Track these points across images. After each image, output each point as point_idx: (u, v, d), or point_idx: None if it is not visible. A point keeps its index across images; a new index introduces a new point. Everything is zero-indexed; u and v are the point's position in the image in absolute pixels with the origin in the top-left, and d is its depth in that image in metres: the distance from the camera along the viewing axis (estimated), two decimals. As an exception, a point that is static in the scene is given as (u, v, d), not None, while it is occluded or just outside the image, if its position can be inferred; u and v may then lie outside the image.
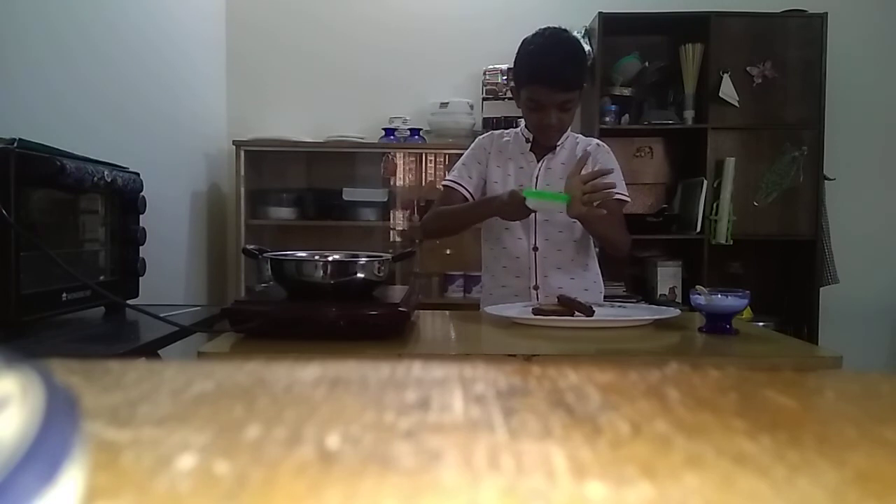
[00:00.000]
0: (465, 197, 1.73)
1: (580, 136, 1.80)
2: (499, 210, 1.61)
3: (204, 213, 3.10)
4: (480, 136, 1.85)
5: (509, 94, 3.15)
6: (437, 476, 0.21)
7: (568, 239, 1.73)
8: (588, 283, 1.78)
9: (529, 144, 1.75)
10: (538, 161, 1.74)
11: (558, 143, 1.74)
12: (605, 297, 1.83)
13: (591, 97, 2.99)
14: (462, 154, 1.83)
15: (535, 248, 1.72)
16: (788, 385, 0.34)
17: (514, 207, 1.54)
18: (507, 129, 1.90)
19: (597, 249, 1.86)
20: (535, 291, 1.71)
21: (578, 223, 1.71)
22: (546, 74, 1.59)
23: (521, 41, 1.67)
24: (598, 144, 1.77)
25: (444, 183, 1.80)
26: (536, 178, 1.73)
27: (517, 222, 1.71)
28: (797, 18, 3.04)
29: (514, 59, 1.68)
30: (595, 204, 1.49)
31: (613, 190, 1.57)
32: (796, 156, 3.00)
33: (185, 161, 2.90)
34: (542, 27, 1.67)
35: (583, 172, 1.54)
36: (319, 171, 3.31)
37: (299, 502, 0.19)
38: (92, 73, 2.08)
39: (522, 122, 1.79)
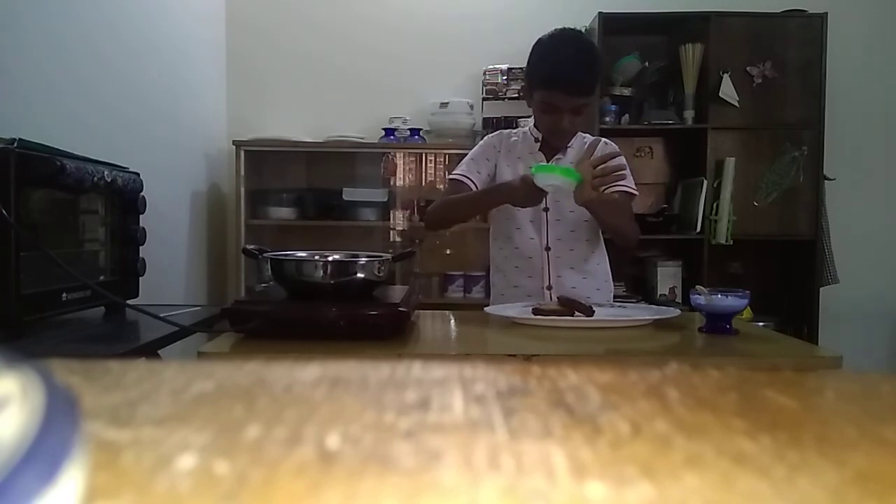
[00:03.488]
0: (471, 190, 1.71)
1: (587, 135, 1.80)
2: (510, 196, 1.58)
3: (204, 213, 3.10)
4: (489, 135, 1.83)
5: (509, 94, 3.16)
6: (437, 476, 0.21)
7: (580, 238, 1.73)
8: (600, 282, 1.78)
9: (539, 144, 1.74)
10: (548, 161, 1.74)
11: (568, 143, 1.74)
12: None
13: (591, 97, 3.00)
14: (464, 153, 1.82)
15: (548, 248, 1.72)
16: (788, 385, 0.34)
17: (525, 192, 1.51)
18: (506, 129, 1.89)
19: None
20: (548, 291, 1.70)
21: (589, 222, 1.71)
22: (563, 79, 1.58)
23: (535, 41, 1.65)
24: (605, 143, 1.76)
25: (450, 177, 1.77)
26: None
27: (529, 222, 1.71)
28: (797, 18, 3.04)
29: (527, 59, 1.66)
30: (604, 189, 1.49)
31: (624, 172, 1.55)
32: (796, 156, 3.00)
33: (185, 161, 2.90)
34: (558, 28, 1.65)
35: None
36: (319, 171, 3.31)
37: (299, 502, 0.19)
38: (92, 74, 2.08)
39: (531, 122, 1.77)
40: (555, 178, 1.49)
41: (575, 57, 1.60)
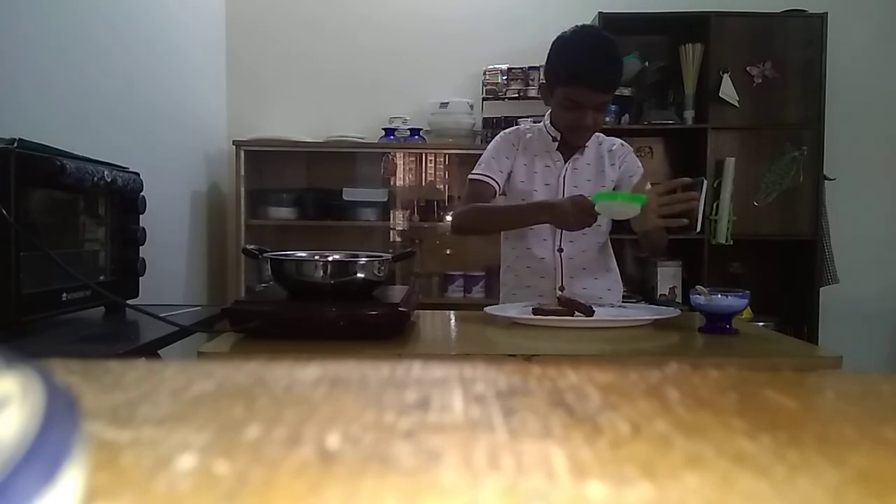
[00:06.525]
0: (496, 191, 1.68)
1: (602, 135, 1.76)
2: (558, 219, 1.52)
3: (204, 213, 3.10)
4: (504, 132, 1.78)
5: (509, 94, 3.16)
6: (437, 476, 0.21)
7: (592, 241, 1.71)
8: (611, 282, 1.77)
9: (556, 143, 1.70)
10: (565, 161, 1.71)
11: (586, 143, 1.71)
12: None
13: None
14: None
15: (560, 250, 1.70)
16: (788, 385, 0.34)
17: (579, 217, 1.46)
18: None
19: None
20: (560, 293, 1.68)
21: (602, 226, 1.69)
22: (589, 76, 1.55)
23: (554, 37, 1.61)
24: (621, 144, 1.74)
25: (471, 177, 1.71)
26: (563, 178, 1.70)
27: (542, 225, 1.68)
28: (797, 18, 3.04)
29: (547, 56, 1.63)
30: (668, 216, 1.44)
31: (694, 203, 1.50)
32: (796, 156, 3.00)
33: (185, 161, 2.90)
34: (578, 24, 1.63)
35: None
36: (319, 171, 3.31)
37: (299, 502, 0.19)
38: (92, 74, 2.08)
39: (546, 120, 1.73)
40: (619, 205, 1.47)
41: (599, 53, 1.57)
